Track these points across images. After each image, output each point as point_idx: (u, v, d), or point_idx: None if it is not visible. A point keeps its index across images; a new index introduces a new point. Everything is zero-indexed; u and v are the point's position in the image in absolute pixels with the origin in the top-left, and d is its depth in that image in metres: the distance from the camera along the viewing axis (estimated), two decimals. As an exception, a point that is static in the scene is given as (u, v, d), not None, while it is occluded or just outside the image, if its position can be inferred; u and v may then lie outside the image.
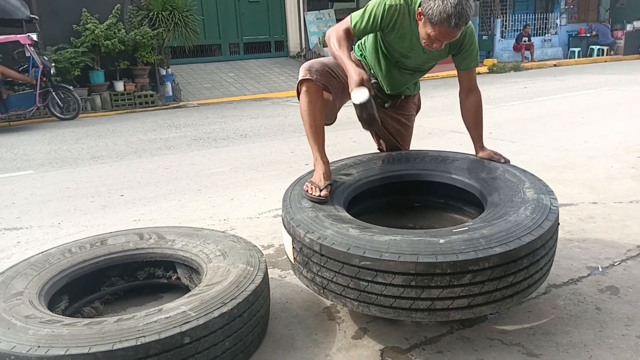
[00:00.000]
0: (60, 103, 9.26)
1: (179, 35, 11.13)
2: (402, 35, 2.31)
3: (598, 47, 17.44)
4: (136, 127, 8.30)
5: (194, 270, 2.22)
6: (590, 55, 17.34)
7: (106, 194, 4.37)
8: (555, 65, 15.81)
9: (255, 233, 3.21)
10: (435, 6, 2.01)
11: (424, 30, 2.12)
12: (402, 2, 2.23)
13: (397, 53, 2.41)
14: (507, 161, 2.50)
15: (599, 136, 5.64)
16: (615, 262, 2.60)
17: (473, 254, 1.71)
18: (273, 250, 2.95)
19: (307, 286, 2.04)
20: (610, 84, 10.54)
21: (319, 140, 2.38)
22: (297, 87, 2.40)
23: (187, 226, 2.64)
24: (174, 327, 1.60)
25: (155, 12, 10.81)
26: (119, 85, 10.58)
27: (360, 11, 2.30)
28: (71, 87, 9.47)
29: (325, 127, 2.56)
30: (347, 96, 2.49)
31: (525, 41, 16.62)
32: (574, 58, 17.22)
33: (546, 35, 17.94)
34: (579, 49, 17.51)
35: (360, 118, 2.16)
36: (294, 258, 2.02)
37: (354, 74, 2.12)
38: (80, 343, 1.54)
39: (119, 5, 10.37)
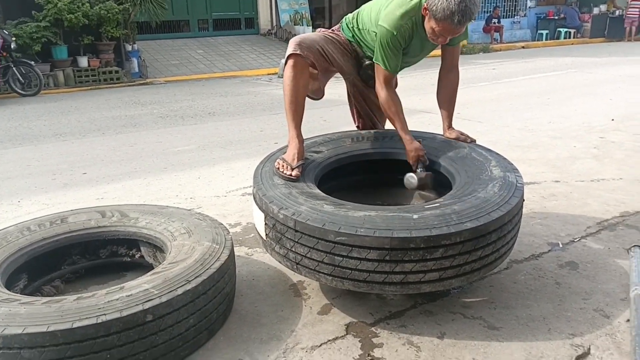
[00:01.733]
0: (21, 79, 8.94)
1: (145, 10, 10.82)
2: (413, 44, 2.35)
3: (565, 29, 17.70)
4: (100, 104, 8.08)
5: (158, 249, 2.19)
6: (558, 38, 17.60)
7: (68, 171, 4.26)
8: (523, 47, 16.00)
9: (223, 211, 3.18)
10: (440, 3, 2.03)
11: (429, 25, 2.15)
12: (404, 21, 2.24)
13: (409, 56, 2.44)
14: (473, 141, 2.53)
15: (563, 117, 5.75)
16: (575, 239, 2.67)
17: (446, 228, 1.75)
18: (240, 228, 2.93)
19: (280, 262, 2.04)
20: (577, 66, 10.74)
21: (297, 117, 2.34)
22: (285, 60, 2.37)
23: (151, 204, 2.59)
24: (136, 304, 1.58)
25: (121, -14, 10.48)
26: (83, 61, 10.26)
27: (382, 53, 2.31)
28: (32, 63, 9.13)
29: (315, 101, 2.64)
30: (332, 75, 2.59)
31: (494, 23, 16.74)
32: (542, 40, 17.44)
33: (515, 17, 18.10)
34: (547, 31, 17.73)
35: (419, 187, 2.38)
36: (266, 234, 2.01)
37: (411, 149, 2.34)
38: (38, 322, 1.50)
39: (82, -23, 10.00)
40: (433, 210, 1.87)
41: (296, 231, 1.84)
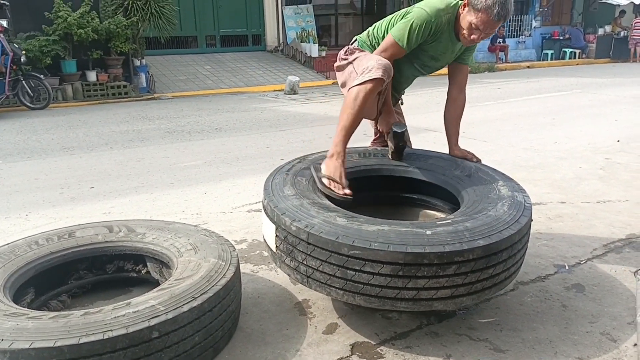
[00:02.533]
0: (30, 92, 9.02)
1: (154, 25, 10.95)
2: (439, 41, 2.37)
3: (570, 50, 17.79)
4: (108, 118, 8.15)
5: (164, 264, 2.19)
6: (563, 58, 17.68)
7: (76, 185, 4.29)
8: (528, 67, 16.08)
9: (228, 227, 3.19)
10: None
11: (467, 19, 2.20)
12: (443, 13, 2.28)
13: (428, 56, 2.45)
14: (479, 160, 2.55)
15: (568, 137, 5.76)
16: (582, 261, 2.66)
17: (459, 245, 1.76)
18: (246, 245, 2.93)
19: (289, 275, 2.02)
20: (581, 86, 10.78)
21: (349, 137, 2.29)
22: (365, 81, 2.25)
23: (158, 219, 2.60)
24: (142, 321, 1.58)
25: (130, 2, 10.60)
26: (92, 75, 10.36)
27: (404, 29, 2.31)
28: (42, 76, 9.22)
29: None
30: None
31: (499, 42, 16.84)
32: (547, 60, 17.52)
33: (520, 37, 18.21)
34: (552, 51, 17.83)
35: (396, 147, 2.38)
36: (277, 247, 2.00)
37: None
38: (45, 336, 1.51)
39: (93, -7, 10.14)
40: (446, 226, 1.87)
41: (309, 244, 1.83)
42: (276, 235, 1.98)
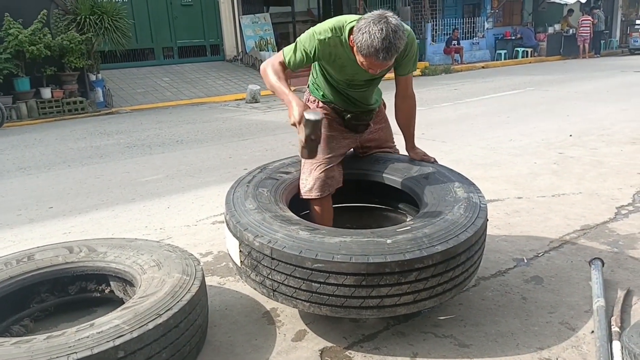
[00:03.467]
0: (-19, 112, 8.75)
1: (109, 39, 10.77)
2: (341, 65, 2.29)
3: (523, 49, 18.32)
4: (65, 135, 7.96)
5: (127, 282, 2.17)
6: (516, 57, 18.19)
7: (34, 206, 4.18)
8: (483, 67, 16.48)
9: (193, 241, 3.17)
10: (363, 40, 2.00)
11: (357, 57, 2.12)
12: (331, 34, 2.20)
13: (343, 80, 2.40)
14: (435, 161, 2.60)
15: (523, 134, 5.94)
16: (539, 254, 2.76)
17: (418, 252, 1.81)
18: (212, 257, 2.92)
19: (255, 289, 2.04)
20: (534, 84, 11.12)
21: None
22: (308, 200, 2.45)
23: (119, 237, 2.57)
24: (107, 341, 1.56)
25: (83, 17, 10.41)
26: (46, 92, 10.10)
27: (292, 47, 2.27)
28: (-7, 96, 8.97)
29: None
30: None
31: (454, 44, 17.22)
32: (501, 60, 17.99)
33: (474, 38, 18.65)
34: (505, 51, 18.33)
35: (307, 140, 2.05)
36: (241, 262, 2.01)
37: (296, 105, 2.08)
38: (6, 364, 1.48)
39: (45, 10, 9.89)
40: (405, 234, 1.92)
41: (273, 259, 1.85)
42: (240, 251, 1.99)
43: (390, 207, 2.76)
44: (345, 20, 2.22)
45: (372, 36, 1.98)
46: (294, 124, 2.08)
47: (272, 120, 8.33)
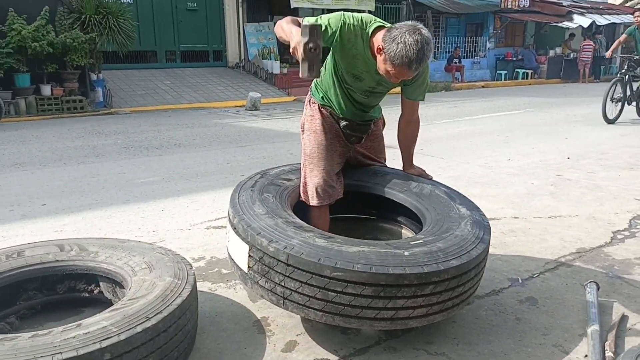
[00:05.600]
0: (-20, 106, 8.71)
1: (112, 40, 10.77)
2: (354, 55, 2.26)
3: (523, 70, 18.45)
4: (63, 133, 7.93)
5: (117, 284, 2.13)
6: (516, 78, 18.31)
7: (27, 202, 4.14)
8: (483, 87, 16.58)
9: (186, 245, 3.14)
10: (398, 50, 1.99)
11: (384, 66, 2.10)
12: (357, 23, 2.19)
13: (351, 75, 2.36)
14: (431, 178, 2.61)
15: (521, 155, 5.95)
16: (534, 274, 2.74)
17: (435, 266, 1.81)
18: (204, 262, 2.89)
19: (262, 296, 1.98)
20: (534, 105, 11.18)
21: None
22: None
23: (111, 237, 2.54)
24: (94, 342, 1.53)
25: (88, 16, 10.42)
26: (46, 89, 10.07)
27: (322, 19, 2.19)
28: (-7, 90, 8.93)
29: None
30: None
31: (455, 63, 17.33)
32: (501, 80, 18.11)
33: (475, 57, 18.79)
34: (505, 71, 18.45)
35: (305, 50, 1.88)
36: (249, 267, 1.95)
37: (296, 33, 1.95)
38: (-12, 361, 1.44)
39: (47, 7, 9.90)
40: (420, 247, 1.92)
41: (288, 265, 1.80)
42: (249, 256, 1.93)
43: (388, 219, 2.74)
44: (371, 19, 2.22)
45: (408, 47, 1.98)
46: (294, 51, 1.96)
47: (271, 128, 8.33)
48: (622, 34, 8.81)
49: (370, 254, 1.81)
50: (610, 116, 8.21)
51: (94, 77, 10.90)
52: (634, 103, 8.52)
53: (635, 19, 8.17)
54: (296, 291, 1.82)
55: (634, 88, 8.44)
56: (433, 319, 1.92)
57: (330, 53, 2.38)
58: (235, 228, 2.03)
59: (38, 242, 2.36)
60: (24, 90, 9.92)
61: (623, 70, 8.50)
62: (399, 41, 2.00)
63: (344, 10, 2.34)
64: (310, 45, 1.87)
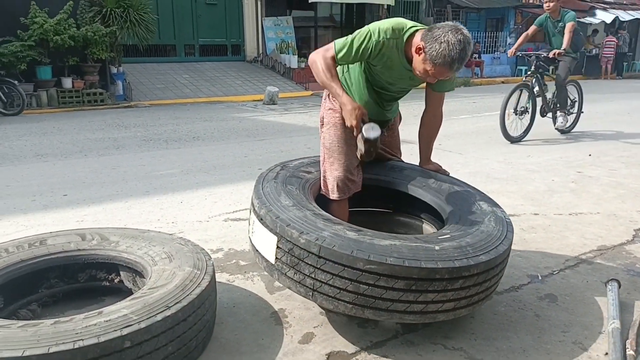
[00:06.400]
0: (4, 98, 8.86)
1: (133, 33, 10.87)
2: (389, 67, 2.26)
3: (544, 66, 18.22)
4: (83, 125, 8.03)
5: (138, 273, 2.16)
6: (537, 74, 18.08)
7: (48, 193, 4.20)
8: (503, 82, 16.38)
9: (204, 236, 3.16)
10: (441, 49, 1.98)
11: (423, 65, 2.09)
12: (389, 36, 2.17)
13: (383, 81, 2.37)
14: (447, 174, 2.60)
15: (541, 151, 5.87)
16: (554, 271, 2.71)
17: (466, 261, 1.81)
18: (222, 254, 2.91)
19: (289, 287, 1.97)
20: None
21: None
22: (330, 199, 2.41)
23: (132, 228, 2.57)
24: (114, 330, 1.55)
25: (109, 9, 10.53)
26: (67, 82, 10.23)
27: (345, 41, 2.22)
28: (16, 82, 9.07)
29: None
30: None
31: (475, 58, 17.16)
32: (521, 76, 17.87)
33: (495, 53, 18.59)
34: (525, 67, 18.21)
35: (367, 152, 2.19)
36: (277, 258, 1.93)
37: (351, 108, 2.16)
38: (13, 346, 1.47)
39: (71, 1, 10.01)
40: (450, 242, 1.92)
41: (319, 257, 1.79)
42: (278, 247, 1.92)
43: (405, 213, 2.73)
44: (406, 24, 2.20)
45: (451, 46, 1.98)
46: (350, 123, 2.17)
47: (289, 122, 8.34)
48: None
49: (402, 247, 1.81)
50: (514, 133, 6.31)
51: (114, 70, 11.03)
52: (549, 114, 6.75)
53: (546, 5, 6.30)
54: (327, 283, 1.81)
55: (548, 95, 6.65)
56: (459, 313, 1.93)
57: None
58: (262, 219, 2.01)
59: (60, 231, 2.39)
60: (45, 82, 10.08)
61: (529, 72, 6.52)
62: (442, 40, 1.99)
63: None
64: (372, 149, 2.19)
